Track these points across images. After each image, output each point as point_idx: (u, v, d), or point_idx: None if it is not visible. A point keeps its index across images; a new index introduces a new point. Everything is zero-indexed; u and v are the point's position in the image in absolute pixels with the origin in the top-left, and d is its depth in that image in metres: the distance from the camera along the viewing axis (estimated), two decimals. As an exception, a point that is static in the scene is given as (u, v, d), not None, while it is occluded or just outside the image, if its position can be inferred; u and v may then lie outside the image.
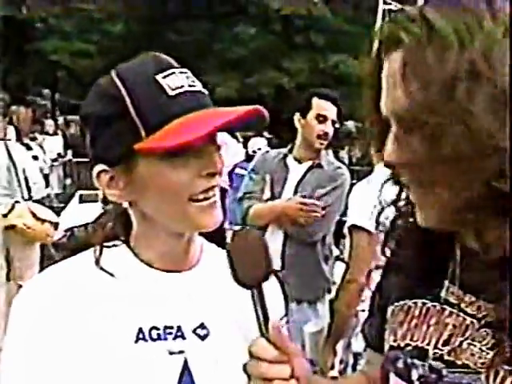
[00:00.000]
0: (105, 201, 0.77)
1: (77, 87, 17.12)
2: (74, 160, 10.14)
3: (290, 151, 2.53)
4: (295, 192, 2.45)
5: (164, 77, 0.69)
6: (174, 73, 0.70)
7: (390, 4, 6.72)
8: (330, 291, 2.50)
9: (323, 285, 2.47)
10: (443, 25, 0.52)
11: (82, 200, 5.09)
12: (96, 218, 0.80)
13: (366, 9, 13.68)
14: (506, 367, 0.54)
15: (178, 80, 0.70)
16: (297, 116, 2.48)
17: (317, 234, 2.38)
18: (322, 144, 2.43)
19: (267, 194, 2.45)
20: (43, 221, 3.51)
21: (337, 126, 2.51)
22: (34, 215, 3.51)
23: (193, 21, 17.83)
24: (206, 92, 0.73)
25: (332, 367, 2.17)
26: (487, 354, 0.57)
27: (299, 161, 2.48)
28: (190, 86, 0.70)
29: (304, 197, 2.39)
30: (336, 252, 2.91)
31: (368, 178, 2.17)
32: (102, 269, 0.74)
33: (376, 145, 0.65)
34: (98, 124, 0.72)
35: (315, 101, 2.43)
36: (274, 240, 2.36)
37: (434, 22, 0.52)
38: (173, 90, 0.69)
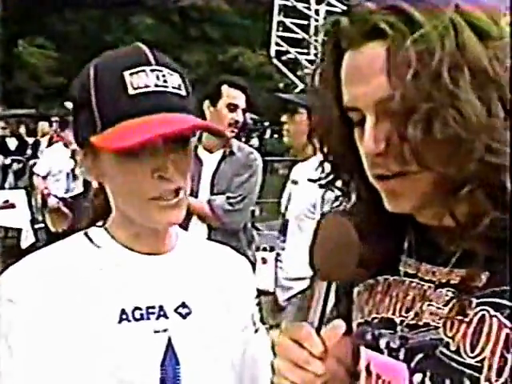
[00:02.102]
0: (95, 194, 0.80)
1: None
2: None
3: (200, 141, 2.47)
4: (212, 185, 2.41)
5: (132, 73, 0.70)
6: (144, 71, 0.70)
7: (287, 0, 6.86)
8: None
9: None
10: (422, 18, 0.55)
11: None
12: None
13: (262, 3, 13.90)
14: (459, 318, 0.59)
15: (144, 79, 0.70)
16: (206, 104, 2.42)
17: (240, 223, 2.39)
18: (233, 132, 2.40)
19: None
20: None
21: (249, 115, 2.52)
22: None
23: (81, 9, 16.95)
24: (181, 92, 0.72)
25: None
26: (443, 310, 0.61)
27: (210, 150, 2.44)
28: (156, 85, 0.70)
29: (221, 193, 2.37)
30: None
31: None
32: (89, 239, 0.78)
33: (333, 137, 0.66)
34: (73, 106, 0.76)
35: (225, 89, 2.37)
36: (199, 231, 2.31)
37: (413, 14, 0.56)
38: (134, 89, 0.70)
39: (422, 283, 0.64)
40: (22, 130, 9.71)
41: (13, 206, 5.20)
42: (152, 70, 0.71)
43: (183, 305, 0.78)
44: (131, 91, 0.69)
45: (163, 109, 0.70)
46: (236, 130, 2.42)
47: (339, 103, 0.62)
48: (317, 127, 0.68)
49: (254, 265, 2.58)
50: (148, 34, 16.82)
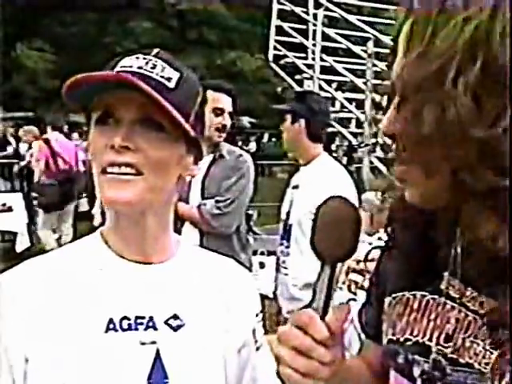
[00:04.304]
0: None
1: None
2: None
3: None
4: (202, 189, 2.41)
5: (130, 58, 0.76)
6: (137, 57, 0.75)
7: (284, 5, 6.88)
8: None
9: None
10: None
11: None
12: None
13: (260, 7, 13.93)
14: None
15: (133, 61, 0.75)
16: None
17: (230, 227, 2.40)
18: (220, 137, 2.42)
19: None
20: None
21: (247, 119, 2.54)
22: None
23: (79, 12, 16.94)
24: (168, 84, 0.74)
25: None
26: (491, 353, 0.54)
27: None
28: (139, 67, 0.74)
29: (212, 197, 2.36)
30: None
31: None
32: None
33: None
34: None
35: (210, 94, 2.37)
36: (192, 236, 2.33)
37: None
38: (121, 66, 0.74)
39: (467, 312, 0.56)
40: (21, 132, 9.67)
41: (10, 209, 5.19)
42: (144, 58, 0.75)
43: (175, 317, 0.76)
44: (117, 68, 0.74)
45: None
46: (223, 135, 2.44)
47: None
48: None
49: (249, 269, 2.58)
50: (146, 38, 16.79)
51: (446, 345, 0.58)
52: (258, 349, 0.84)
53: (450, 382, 0.56)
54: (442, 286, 0.60)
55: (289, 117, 2.46)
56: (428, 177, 0.53)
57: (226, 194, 2.37)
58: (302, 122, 2.42)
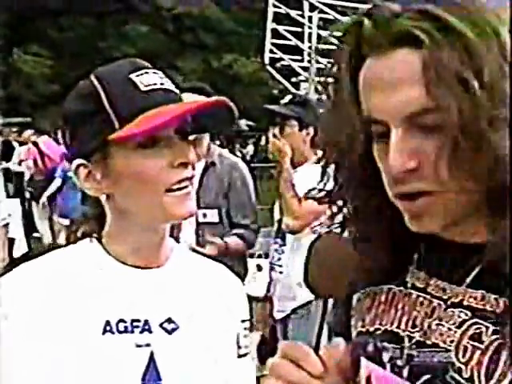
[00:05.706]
0: (83, 201, 0.81)
1: None
2: None
3: None
4: (197, 199, 2.40)
5: (138, 75, 0.76)
6: (147, 72, 0.77)
7: (280, 8, 6.91)
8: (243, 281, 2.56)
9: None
10: (461, 26, 0.51)
11: None
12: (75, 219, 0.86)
13: (256, 10, 13.98)
14: (474, 343, 0.55)
15: (150, 78, 0.77)
16: None
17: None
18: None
19: None
20: None
21: (244, 122, 2.56)
22: None
23: (76, 17, 16.97)
24: (177, 91, 0.80)
25: None
26: (455, 332, 0.57)
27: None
28: (161, 84, 0.77)
29: (210, 207, 2.38)
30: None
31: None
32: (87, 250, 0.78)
33: (353, 153, 0.60)
34: (76, 120, 0.78)
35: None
36: (189, 240, 2.34)
37: (451, 22, 0.51)
38: (145, 86, 0.76)
39: (431, 299, 0.60)
40: (22, 138, 9.68)
41: (8, 215, 5.18)
42: (154, 72, 0.79)
43: (169, 320, 0.78)
44: (143, 88, 0.76)
45: (171, 102, 0.77)
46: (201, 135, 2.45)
47: (360, 115, 0.57)
48: (333, 143, 0.62)
49: (244, 273, 2.58)
50: (142, 42, 16.82)
51: (413, 330, 0.60)
52: (241, 356, 0.84)
53: (417, 363, 0.59)
54: (408, 279, 0.63)
55: (295, 123, 2.44)
56: (465, 197, 0.57)
57: (239, 211, 2.39)
58: (311, 129, 2.43)
